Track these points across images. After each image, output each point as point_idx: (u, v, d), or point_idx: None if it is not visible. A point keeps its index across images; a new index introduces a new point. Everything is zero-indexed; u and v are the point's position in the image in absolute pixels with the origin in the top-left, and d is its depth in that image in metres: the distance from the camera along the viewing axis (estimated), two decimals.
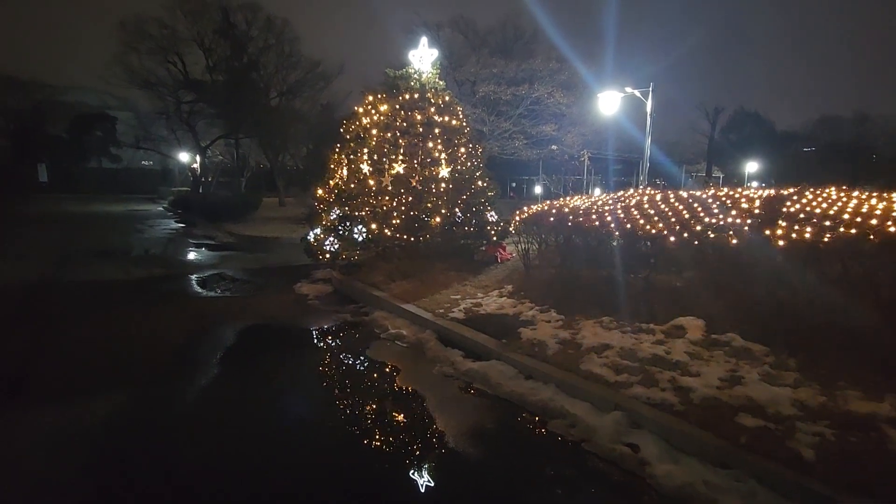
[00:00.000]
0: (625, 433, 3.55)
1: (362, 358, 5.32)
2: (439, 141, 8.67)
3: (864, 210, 5.01)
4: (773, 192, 6.67)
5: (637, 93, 12.23)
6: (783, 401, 3.56)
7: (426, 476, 3.18)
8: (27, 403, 4.08)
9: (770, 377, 3.96)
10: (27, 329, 5.97)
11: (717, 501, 2.82)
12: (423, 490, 3.05)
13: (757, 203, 5.80)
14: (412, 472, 3.23)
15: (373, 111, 8.80)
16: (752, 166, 34.25)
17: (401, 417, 4.04)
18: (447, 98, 9.14)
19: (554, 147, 22.51)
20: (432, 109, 8.76)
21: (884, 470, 2.76)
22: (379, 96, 8.82)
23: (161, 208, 24.94)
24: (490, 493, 3.08)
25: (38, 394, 4.28)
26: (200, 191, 25.56)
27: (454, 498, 3.03)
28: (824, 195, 6.12)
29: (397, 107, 8.68)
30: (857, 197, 6.01)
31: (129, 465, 3.27)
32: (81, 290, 8.07)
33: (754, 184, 29.07)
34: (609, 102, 12.37)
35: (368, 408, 4.20)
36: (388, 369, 5.01)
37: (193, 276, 9.20)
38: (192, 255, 11.86)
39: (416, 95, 8.74)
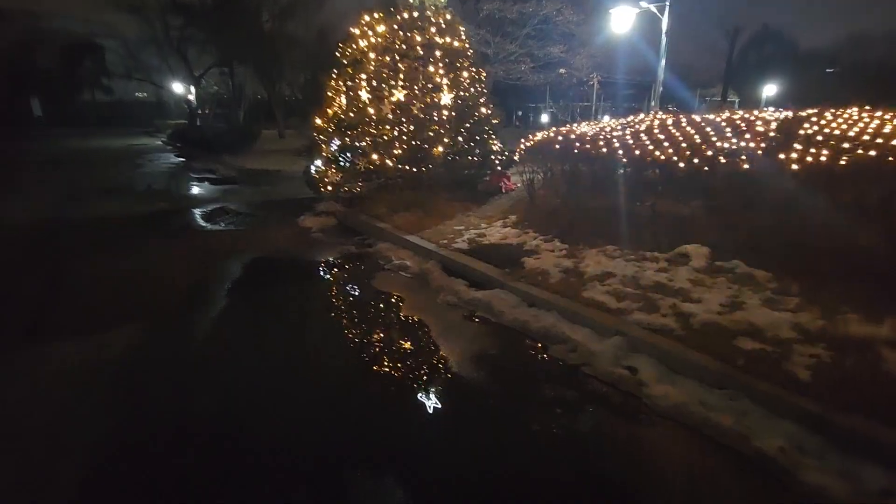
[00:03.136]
0: (624, 357, 3.63)
1: (367, 288, 5.38)
2: (441, 65, 8.21)
3: (885, 131, 4.77)
4: (790, 113, 6.35)
5: (653, 7, 11.36)
6: (782, 325, 3.59)
7: (432, 398, 3.30)
8: (46, 337, 4.18)
9: (771, 302, 3.98)
10: (40, 266, 6.05)
11: (709, 419, 2.92)
12: (429, 411, 3.18)
13: (773, 125, 5.53)
14: (418, 395, 3.35)
15: (370, 32, 8.26)
16: (770, 89, 32.56)
17: (406, 345, 4.14)
18: (448, 17, 8.54)
19: (562, 71, 21.40)
20: (433, 30, 8.21)
21: (877, 389, 2.81)
22: (376, 15, 8.24)
23: (160, 142, 24.39)
24: (492, 413, 3.21)
25: (55, 327, 4.37)
26: (198, 123, 24.83)
27: (458, 417, 3.16)
28: (845, 116, 5.81)
29: (395, 27, 8.14)
30: (879, 117, 5.71)
31: (146, 394, 3.41)
32: (89, 226, 8.08)
33: (770, 108, 27.79)
34: (622, 19, 11.53)
35: (374, 336, 4.30)
36: (392, 299, 5.08)
37: (197, 211, 9.17)
38: (194, 190, 11.76)
39: (415, 14, 8.16)
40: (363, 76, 8.26)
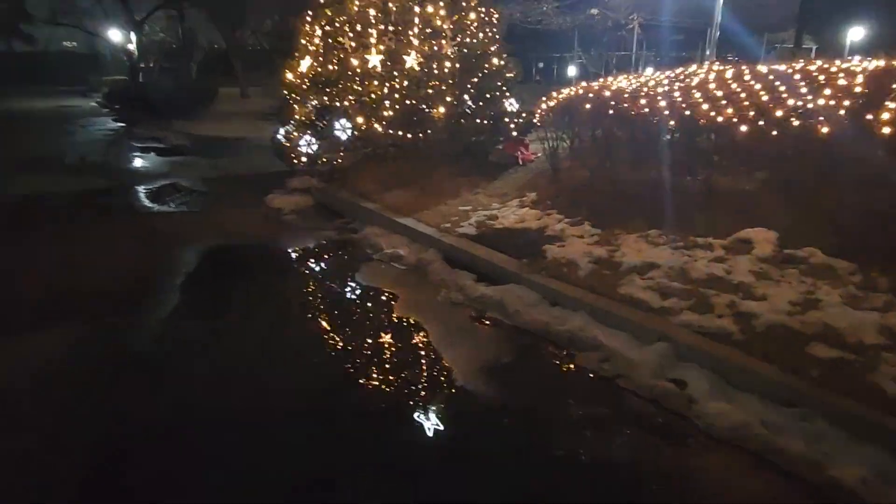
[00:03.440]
0: (670, 367, 3.63)
1: (352, 284, 5.42)
2: (441, 4, 8.14)
3: None
4: (882, 63, 6.28)
5: None
6: (868, 328, 3.57)
7: (432, 419, 3.32)
8: None
9: (854, 300, 3.96)
10: None
11: (774, 443, 2.92)
12: (430, 435, 3.20)
13: (860, 79, 5.47)
14: (415, 414, 3.37)
15: None
16: (856, 33, 32.13)
17: (400, 353, 4.16)
18: None
19: (594, 11, 21.21)
20: None
21: None
22: None
23: (94, 103, 24.41)
24: (507, 438, 3.23)
25: None
26: (140, 80, 24.78)
27: (465, 444, 3.17)
28: None
29: None
30: None
31: (81, 410, 3.43)
32: (12, 206, 8.11)
33: (856, 58, 27.47)
34: None
35: (361, 342, 4.32)
36: (383, 297, 5.11)
37: (142, 188, 9.24)
38: (138, 162, 11.88)
39: None
40: (344, 19, 8.21)
